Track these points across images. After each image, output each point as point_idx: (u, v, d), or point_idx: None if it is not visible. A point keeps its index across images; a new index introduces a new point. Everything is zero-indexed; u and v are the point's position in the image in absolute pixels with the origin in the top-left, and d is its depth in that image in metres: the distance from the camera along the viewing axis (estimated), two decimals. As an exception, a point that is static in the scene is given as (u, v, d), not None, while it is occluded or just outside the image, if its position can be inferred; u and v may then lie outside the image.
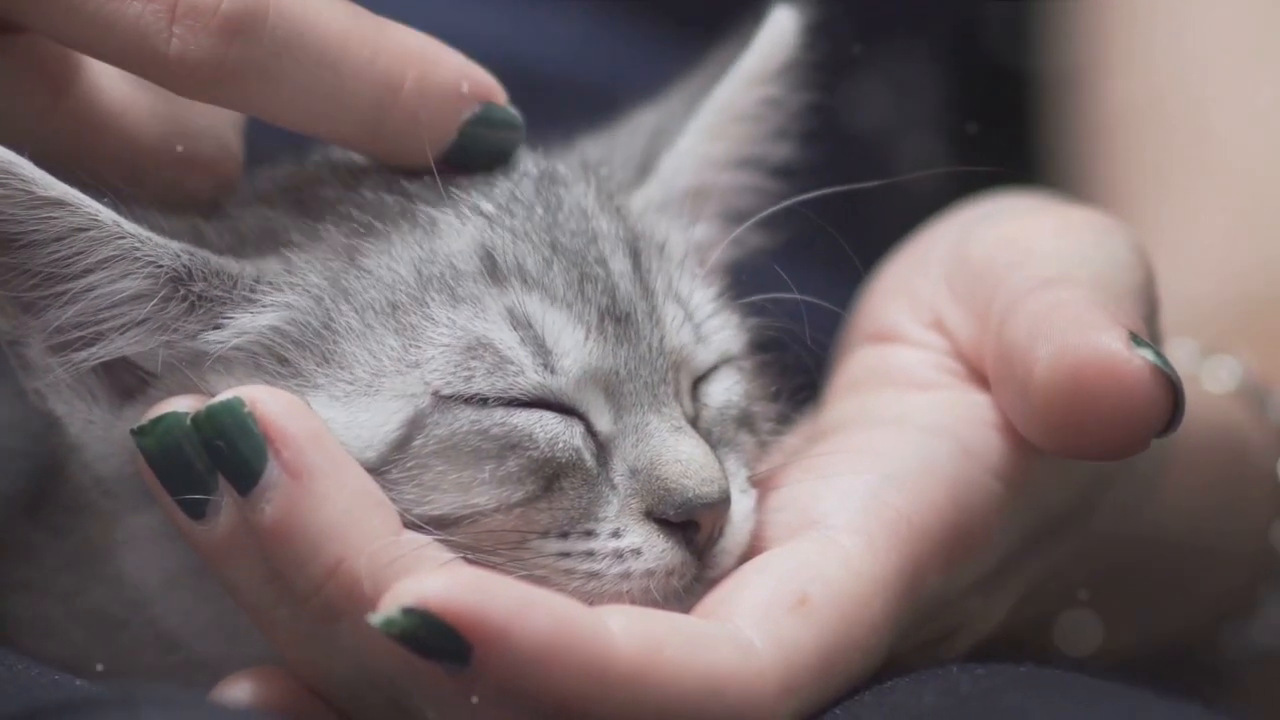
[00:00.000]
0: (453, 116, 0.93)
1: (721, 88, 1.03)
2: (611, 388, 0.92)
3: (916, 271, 1.01)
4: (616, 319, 0.93)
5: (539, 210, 0.94)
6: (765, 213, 0.99)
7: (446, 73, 0.93)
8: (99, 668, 0.95)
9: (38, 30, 0.90)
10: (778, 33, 1.03)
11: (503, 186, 0.95)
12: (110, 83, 0.92)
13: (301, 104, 0.91)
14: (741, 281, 1.00)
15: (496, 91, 0.94)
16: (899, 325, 0.99)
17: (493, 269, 0.92)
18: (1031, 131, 1.49)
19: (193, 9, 0.88)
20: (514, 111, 0.95)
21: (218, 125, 0.95)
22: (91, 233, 0.89)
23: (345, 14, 0.91)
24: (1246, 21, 1.43)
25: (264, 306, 0.91)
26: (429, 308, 0.91)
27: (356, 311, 0.91)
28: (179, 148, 0.94)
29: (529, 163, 0.96)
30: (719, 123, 1.03)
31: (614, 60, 1.37)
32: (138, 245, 0.90)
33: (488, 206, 0.94)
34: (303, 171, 0.97)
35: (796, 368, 0.98)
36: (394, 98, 0.91)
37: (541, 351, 0.91)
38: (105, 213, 0.89)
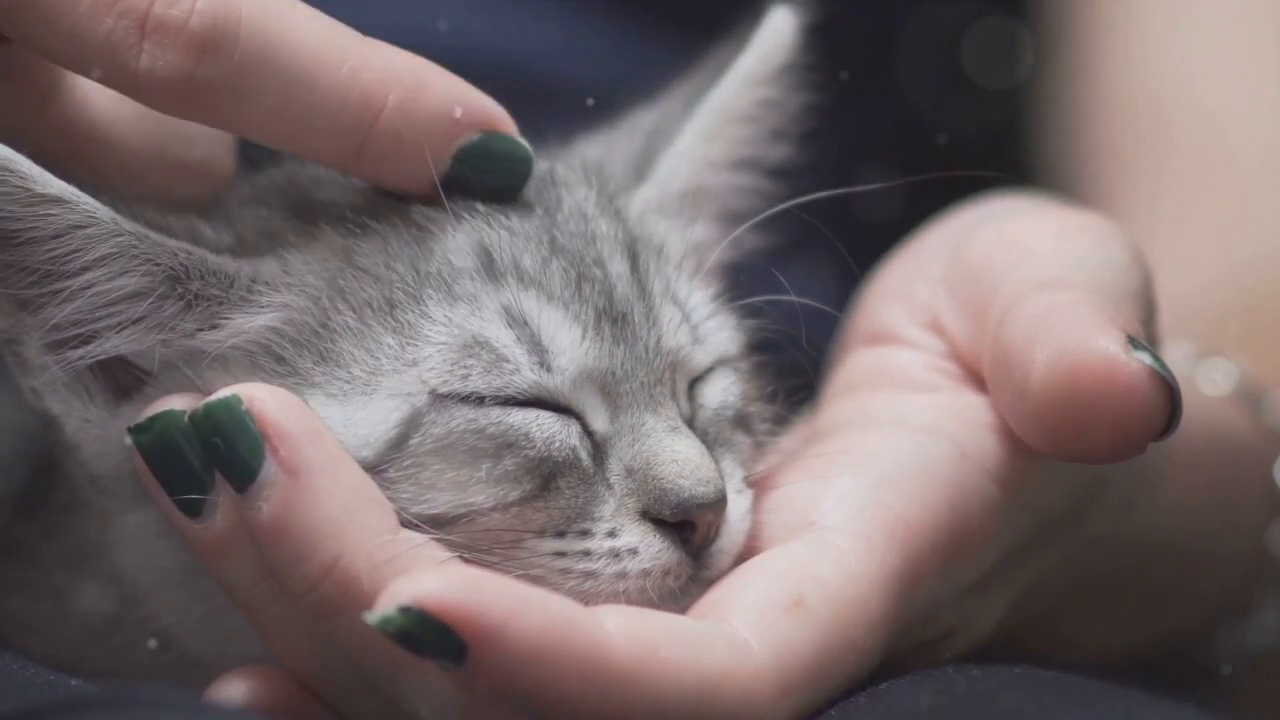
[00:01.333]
0: (443, 142, 0.91)
1: (719, 89, 1.02)
2: (608, 388, 0.92)
3: (915, 273, 1.01)
4: (613, 319, 0.93)
5: (538, 210, 0.94)
6: (764, 214, 0.99)
7: (436, 95, 0.90)
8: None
9: (17, 42, 0.90)
10: (775, 34, 1.03)
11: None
12: (97, 91, 0.92)
13: (275, 122, 0.89)
14: (739, 283, 1.00)
15: (499, 120, 0.92)
16: (897, 326, 0.99)
17: (490, 266, 0.92)
18: (1027, 130, 1.49)
19: (161, 25, 0.88)
20: (521, 143, 0.93)
21: (209, 131, 0.94)
22: (89, 230, 0.89)
23: (325, 30, 0.90)
24: (1242, 20, 1.43)
25: (261, 307, 0.91)
26: (426, 305, 0.91)
27: (354, 310, 0.91)
28: (169, 154, 0.93)
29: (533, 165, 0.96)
30: (716, 124, 1.03)
31: (611, 60, 1.37)
32: (135, 243, 0.90)
33: (484, 205, 0.93)
34: (300, 172, 0.97)
35: (793, 369, 0.98)
36: (374, 118, 0.89)
37: (537, 350, 0.91)
38: (103, 210, 0.89)
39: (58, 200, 0.89)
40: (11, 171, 0.88)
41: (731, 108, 1.03)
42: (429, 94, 0.90)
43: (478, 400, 0.90)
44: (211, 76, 0.88)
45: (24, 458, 0.98)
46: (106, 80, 0.89)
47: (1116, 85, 1.45)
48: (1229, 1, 1.44)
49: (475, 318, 0.91)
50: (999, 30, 1.49)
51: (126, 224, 0.90)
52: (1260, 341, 1.26)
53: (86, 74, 0.89)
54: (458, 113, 0.91)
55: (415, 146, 0.90)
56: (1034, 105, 1.49)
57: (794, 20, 1.03)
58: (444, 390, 0.90)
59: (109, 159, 0.93)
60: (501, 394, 0.90)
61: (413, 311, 0.91)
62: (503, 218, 0.93)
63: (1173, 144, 1.42)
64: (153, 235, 0.90)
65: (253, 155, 0.97)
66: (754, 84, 1.03)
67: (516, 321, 0.91)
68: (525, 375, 0.91)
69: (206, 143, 0.95)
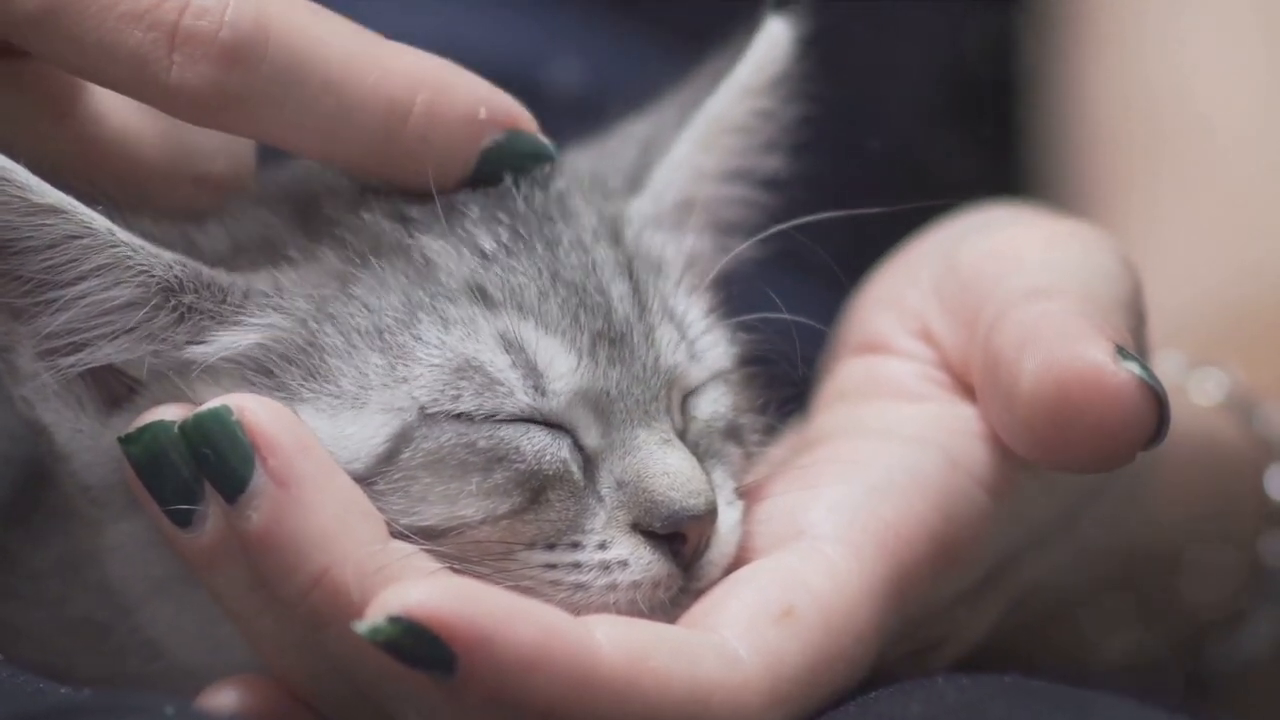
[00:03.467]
0: (469, 143, 0.92)
1: (714, 99, 1.02)
2: (601, 406, 0.92)
3: (905, 282, 1.01)
4: (611, 341, 0.92)
5: (538, 247, 0.93)
6: (765, 233, 0.99)
7: (461, 97, 0.91)
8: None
9: (41, 57, 0.90)
10: (771, 44, 1.02)
11: (505, 224, 0.94)
12: (116, 107, 0.92)
13: (306, 129, 0.90)
14: (731, 294, 1.00)
15: (522, 118, 0.93)
16: (887, 335, 0.99)
17: (486, 298, 0.91)
18: (1020, 138, 1.49)
19: (192, 36, 0.88)
20: (543, 141, 0.94)
21: (230, 144, 0.94)
22: (85, 240, 0.89)
23: (350, 37, 0.90)
24: (1236, 28, 1.43)
25: (251, 324, 0.91)
26: (418, 329, 0.91)
27: (342, 335, 0.91)
28: (190, 168, 0.94)
29: (535, 195, 0.95)
30: (711, 134, 1.02)
31: (602, 64, 1.37)
32: (131, 254, 0.90)
33: (488, 245, 0.93)
34: (312, 178, 0.96)
35: (784, 380, 0.98)
36: (402, 122, 0.90)
37: (532, 374, 0.91)
38: (99, 220, 0.89)
39: (54, 210, 0.89)
40: (8, 181, 0.88)
41: (726, 118, 1.02)
42: (454, 96, 0.91)
43: (469, 418, 0.90)
44: (241, 87, 0.88)
45: (15, 466, 0.98)
46: (135, 93, 0.89)
47: (1112, 94, 1.45)
48: (1225, 9, 1.44)
49: (470, 341, 0.91)
50: (995, 37, 1.49)
51: (122, 234, 0.90)
52: (1254, 351, 1.26)
53: (115, 87, 0.90)
54: (482, 113, 0.91)
55: (440, 149, 0.91)
56: (1030, 113, 1.49)
57: (789, 30, 1.03)
58: (434, 410, 0.90)
59: (127, 175, 0.93)
60: (494, 415, 0.90)
61: (404, 335, 0.91)
62: (504, 256, 0.92)
63: (1169, 153, 1.42)
64: (148, 246, 0.90)
65: (267, 153, 0.97)
66: (749, 94, 1.02)
67: (513, 347, 0.91)
68: (519, 399, 0.90)
69: (227, 156, 0.95)
